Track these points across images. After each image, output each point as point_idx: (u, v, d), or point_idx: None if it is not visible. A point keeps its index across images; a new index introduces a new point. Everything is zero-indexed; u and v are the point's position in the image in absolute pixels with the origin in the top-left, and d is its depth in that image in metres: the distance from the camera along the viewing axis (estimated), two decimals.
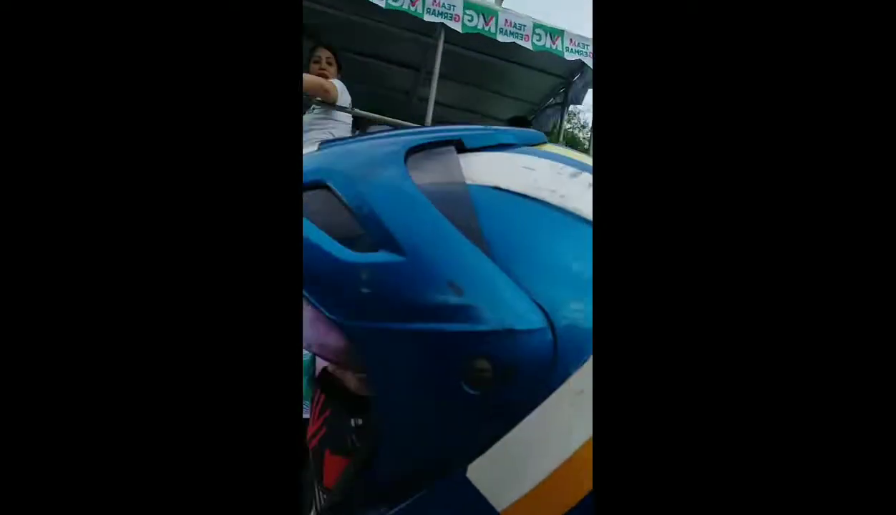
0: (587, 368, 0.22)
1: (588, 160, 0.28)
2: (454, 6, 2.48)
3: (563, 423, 0.22)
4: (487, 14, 2.55)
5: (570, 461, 0.22)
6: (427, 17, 2.44)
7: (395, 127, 1.79)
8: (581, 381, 0.22)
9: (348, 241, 0.23)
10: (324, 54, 2.11)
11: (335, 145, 0.28)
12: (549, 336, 0.22)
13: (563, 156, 0.28)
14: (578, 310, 0.22)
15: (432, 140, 0.26)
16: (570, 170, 0.27)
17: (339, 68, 2.16)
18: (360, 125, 2.35)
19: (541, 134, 0.30)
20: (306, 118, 2.07)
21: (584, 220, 0.24)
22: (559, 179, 0.26)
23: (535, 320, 0.22)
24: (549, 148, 0.29)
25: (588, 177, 0.26)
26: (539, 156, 0.27)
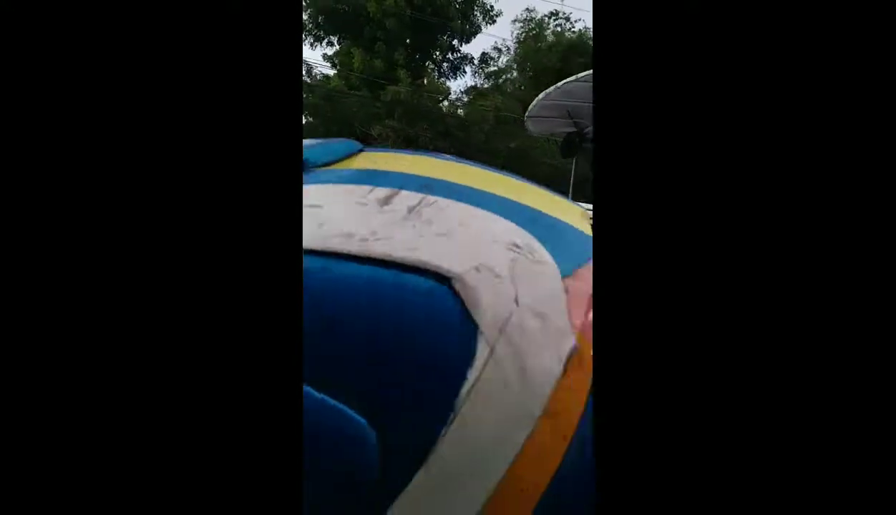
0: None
1: (427, 168, 0.23)
2: None
3: None
4: None
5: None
6: None
7: None
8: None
9: None
10: None
11: None
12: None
13: (378, 172, 0.22)
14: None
15: None
16: (383, 191, 0.20)
17: None
18: None
19: (348, 143, 0.23)
20: None
21: (404, 266, 0.18)
22: (361, 213, 0.19)
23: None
24: (362, 161, 0.22)
25: (411, 197, 0.20)
26: (334, 182, 0.21)
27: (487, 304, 0.19)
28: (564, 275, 0.22)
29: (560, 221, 0.24)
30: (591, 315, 0.22)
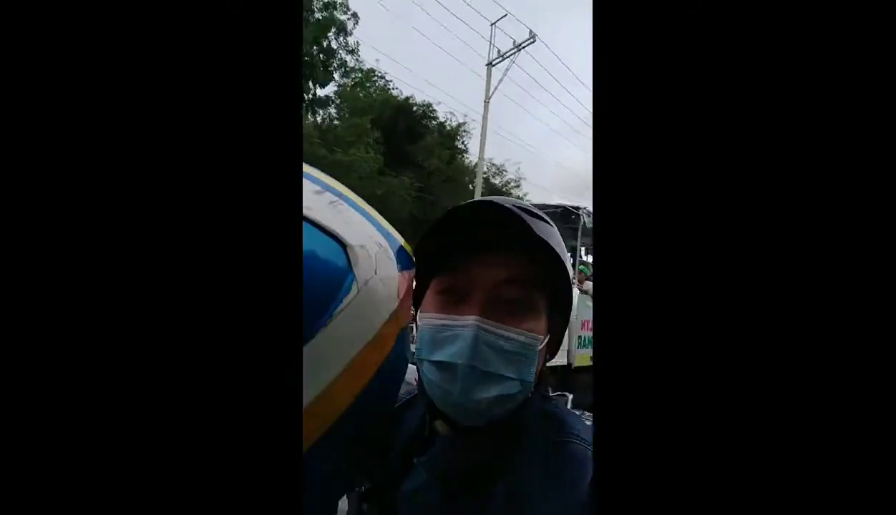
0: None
1: (337, 185, 0.38)
2: None
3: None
4: None
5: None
6: None
7: None
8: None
9: None
10: None
11: None
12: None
13: (314, 177, 0.37)
14: None
15: None
16: (316, 188, 0.34)
17: None
18: None
19: None
20: None
21: (325, 230, 0.32)
22: (308, 197, 0.33)
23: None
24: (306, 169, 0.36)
25: (332, 196, 0.35)
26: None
27: (361, 266, 0.33)
28: (399, 270, 0.38)
29: (401, 243, 0.41)
30: (407, 295, 0.39)
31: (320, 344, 0.30)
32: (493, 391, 0.43)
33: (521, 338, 0.43)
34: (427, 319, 0.46)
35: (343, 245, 0.33)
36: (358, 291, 0.33)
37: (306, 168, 0.35)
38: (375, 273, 0.35)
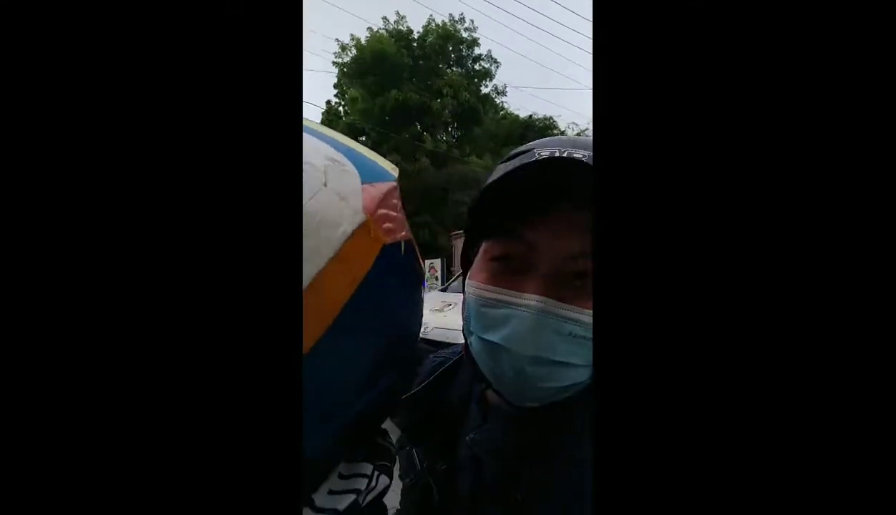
0: None
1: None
2: None
3: None
4: None
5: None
6: None
7: None
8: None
9: None
10: None
11: None
12: None
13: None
14: None
15: None
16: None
17: None
18: None
19: None
20: None
21: None
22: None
23: None
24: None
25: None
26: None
27: (304, 179, 0.29)
28: (363, 182, 0.33)
29: (368, 158, 0.36)
30: (383, 203, 0.34)
31: None
32: (558, 380, 0.38)
33: (586, 318, 0.37)
34: (477, 289, 0.40)
35: None
36: (303, 205, 0.29)
37: None
38: (325, 185, 0.30)
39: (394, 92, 13.08)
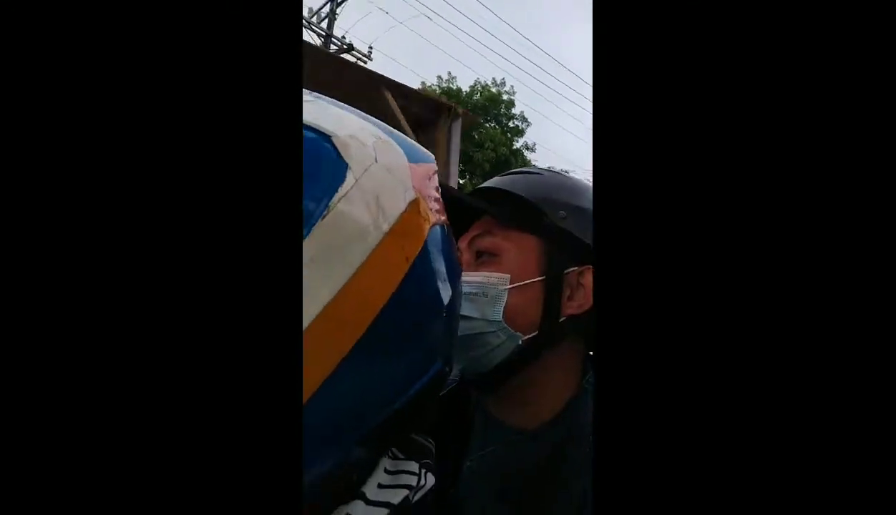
0: None
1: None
2: None
3: None
4: None
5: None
6: None
7: None
8: None
9: None
10: None
11: None
12: None
13: None
14: None
15: None
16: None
17: None
18: None
19: None
20: None
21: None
22: None
23: None
24: None
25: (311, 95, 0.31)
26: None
27: (355, 155, 0.29)
28: (409, 161, 0.33)
29: (408, 140, 0.36)
30: (427, 184, 0.33)
31: (322, 239, 0.26)
32: (463, 331, 0.46)
33: (478, 279, 0.48)
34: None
35: (326, 135, 0.29)
36: (356, 180, 0.29)
37: None
38: (376, 161, 0.30)
39: None
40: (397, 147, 0.33)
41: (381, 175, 0.30)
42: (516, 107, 16.85)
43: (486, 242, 0.50)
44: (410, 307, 0.30)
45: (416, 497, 0.34)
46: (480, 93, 16.85)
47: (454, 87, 16.80)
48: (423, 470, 0.35)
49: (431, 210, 0.33)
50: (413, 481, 0.34)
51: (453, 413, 0.54)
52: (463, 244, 0.52)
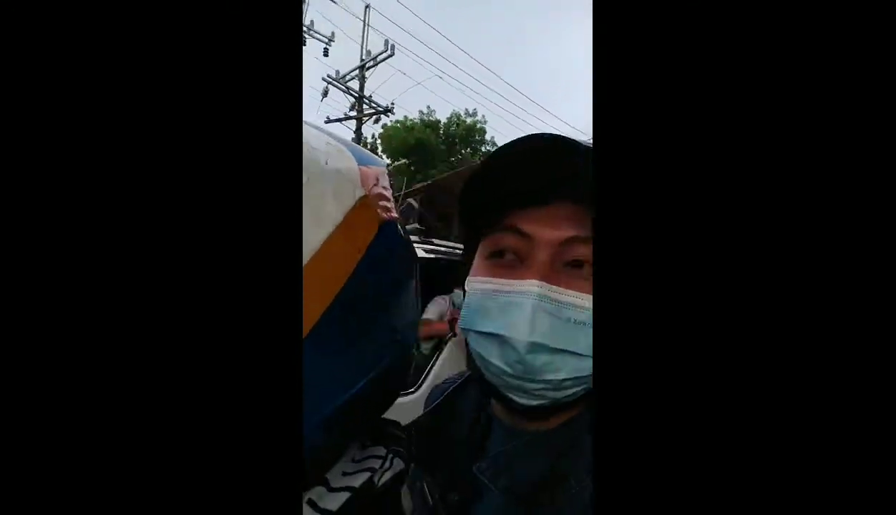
0: None
1: None
2: None
3: None
4: None
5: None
6: None
7: None
8: None
9: None
10: None
11: None
12: None
13: None
14: None
15: None
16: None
17: None
18: None
19: None
20: None
21: None
22: None
23: None
24: None
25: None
26: None
27: (307, 157, 0.31)
28: (359, 164, 0.36)
29: (359, 147, 0.39)
30: (376, 184, 0.36)
31: None
32: (558, 371, 0.36)
33: (588, 304, 0.35)
34: (475, 284, 0.40)
35: None
36: (307, 179, 0.31)
37: None
38: (326, 163, 0.33)
39: (432, 171, 14.97)
40: (347, 152, 0.36)
41: (329, 177, 0.32)
42: (487, 133, 17.85)
43: (589, 252, 0.36)
44: (363, 297, 0.32)
45: (382, 480, 0.35)
46: (457, 124, 17.77)
47: (434, 119, 17.64)
48: (391, 455, 0.36)
49: (382, 207, 0.35)
50: (377, 464, 0.35)
51: (454, 414, 0.49)
52: (550, 238, 0.37)
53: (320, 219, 0.31)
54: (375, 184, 0.36)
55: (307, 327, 0.29)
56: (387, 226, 0.35)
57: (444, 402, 0.50)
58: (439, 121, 17.82)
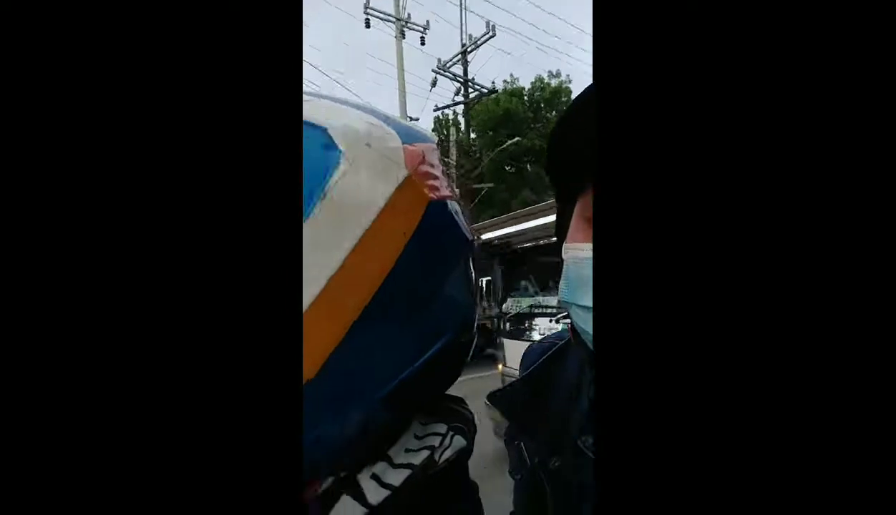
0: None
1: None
2: None
3: None
4: None
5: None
6: None
7: None
8: None
9: None
10: None
11: None
12: None
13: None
14: None
15: None
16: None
17: None
18: None
19: None
20: None
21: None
22: None
23: None
24: None
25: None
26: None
27: (349, 142, 0.32)
28: (403, 143, 0.35)
29: (405, 123, 0.38)
30: (423, 164, 0.35)
31: (322, 218, 0.29)
32: None
33: None
34: (573, 252, 0.37)
35: (321, 128, 0.32)
36: (350, 163, 0.31)
37: None
38: (368, 145, 0.33)
39: (521, 139, 14.84)
40: (391, 130, 0.35)
41: (372, 157, 0.32)
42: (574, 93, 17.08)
43: None
44: (411, 279, 0.32)
45: (442, 457, 0.35)
46: (542, 89, 17.05)
47: (518, 87, 17.18)
48: (451, 433, 0.37)
49: (430, 186, 0.35)
50: (436, 441, 0.35)
51: (552, 382, 0.47)
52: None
53: (364, 206, 0.31)
54: (422, 162, 0.35)
55: (359, 309, 0.30)
56: (435, 205, 0.34)
57: (545, 364, 0.48)
58: (523, 89, 17.30)
